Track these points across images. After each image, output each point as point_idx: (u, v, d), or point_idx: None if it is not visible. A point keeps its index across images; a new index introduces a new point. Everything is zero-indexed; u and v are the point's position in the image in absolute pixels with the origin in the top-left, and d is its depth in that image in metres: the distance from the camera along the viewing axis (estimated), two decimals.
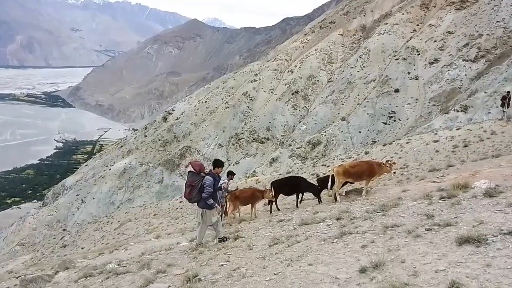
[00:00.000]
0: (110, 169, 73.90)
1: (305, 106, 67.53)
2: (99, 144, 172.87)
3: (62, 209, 65.82)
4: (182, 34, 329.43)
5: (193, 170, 7.91)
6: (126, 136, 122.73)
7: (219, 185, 12.46)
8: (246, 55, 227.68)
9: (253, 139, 66.36)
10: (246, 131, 67.79)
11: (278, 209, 11.65)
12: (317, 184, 11.92)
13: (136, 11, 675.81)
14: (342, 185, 11.10)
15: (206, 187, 7.74)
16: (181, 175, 67.25)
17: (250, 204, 11.94)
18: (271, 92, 72.68)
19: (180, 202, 36.71)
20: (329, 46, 76.03)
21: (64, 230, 53.71)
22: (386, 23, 71.10)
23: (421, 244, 4.79)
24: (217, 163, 8.23)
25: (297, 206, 11.41)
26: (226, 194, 12.01)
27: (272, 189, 11.48)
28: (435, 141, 22.27)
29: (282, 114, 67.25)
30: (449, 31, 62.86)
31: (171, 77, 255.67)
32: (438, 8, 68.95)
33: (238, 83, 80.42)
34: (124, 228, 30.40)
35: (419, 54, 62.36)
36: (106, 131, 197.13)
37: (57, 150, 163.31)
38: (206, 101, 79.96)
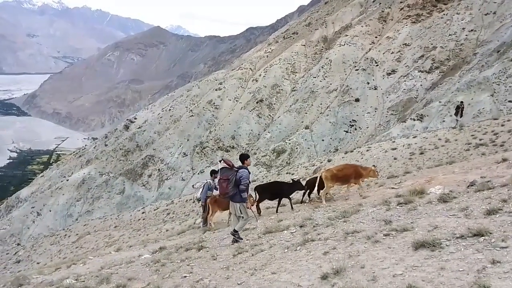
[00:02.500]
0: (67, 180, 70.90)
1: (269, 115, 68.15)
2: (56, 154, 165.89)
3: (16, 222, 62.29)
4: (145, 41, 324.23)
5: (227, 166, 7.97)
6: (85, 145, 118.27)
7: (202, 184, 12.37)
8: (211, 63, 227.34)
9: (218, 147, 66.04)
10: (211, 139, 67.38)
11: (259, 214, 11.46)
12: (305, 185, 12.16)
13: (97, 17, 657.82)
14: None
15: (244, 179, 7.81)
16: (144, 185, 65.68)
17: (229, 209, 11.87)
18: (236, 100, 72.83)
19: (143, 213, 35.83)
20: (292, 56, 77.43)
21: (18, 244, 50.74)
22: (347, 35, 73.48)
23: (379, 249, 4.93)
24: (245, 156, 8.27)
25: (276, 211, 11.36)
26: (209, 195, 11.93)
27: (256, 193, 11.41)
28: (393, 149, 23.13)
29: (247, 123, 67.49)
30: (405, 43, 65.90)
31: (133, 85, 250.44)
32: (395, 21, 72.20)
33: (203, 91, 79.99)
34: (83, 242, 29.21)
35: (377, 65, 64.84)
36: (63, 140, 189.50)
37: (11, 161, 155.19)
38: (170, 109, 78.83)
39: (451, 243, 4.49)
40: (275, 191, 11.63)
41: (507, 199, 5.69)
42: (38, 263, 27.93)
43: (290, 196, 11.65)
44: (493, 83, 38.25)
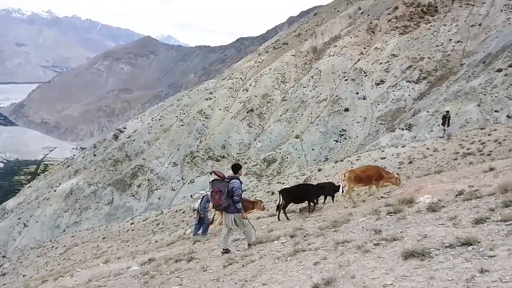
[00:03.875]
0: (55, 191, 69.87)
1: (260, 124, 68.33)
2: (44, 164, 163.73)
3: (2, 234, 61.08)
4: (135, 51, 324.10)
5: (218, 178, 7.91)
6: (74, 155, 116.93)
7: (201, 196, 12.23)
8: (201, 73, 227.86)
9: (209, 157, 65.85)
10: (201, 149, 67.19)
11: (287, 218, 10.97)
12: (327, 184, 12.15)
13: (86, 26, 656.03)
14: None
15: (237, 190, 7.72)
16: (133, 195, 65.03)
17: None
18: (227, 110, 72.94)
19: (132, 224, 35.38)
20: (282, 66, 78.03)
21: (4, 257, 49.58)
22: (336, 46, 74.42)
23: (370, 259, 4.94)
24: (238, 166, 8.19)
25: (309, 212, 11.11)
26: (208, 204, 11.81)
27: (281, 197, 11.23)
28: (382, 158, 23.31)
29: (238, 132, 67.53)
30: (393, 54, 66.95)
31: (123, 94, 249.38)
32: (383, 32, 73.40)
33: (193, 101, 79.99)
34: (70, 253, 28.67)
35: (366, 76, 65.68)
36: (51, 150, 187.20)
37: None
38: (160, 119, 78.55)
39: (440, 252, 4.51)
40: (302, 193, 11.43)
41: (494, 208, 5.75)
42: (24, 275, 27.31)
43: (316, 200, 11.49)
44: (479, 93, 38.98)
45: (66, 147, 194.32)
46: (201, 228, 12.51)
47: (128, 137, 76.43)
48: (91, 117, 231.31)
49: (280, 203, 11.10)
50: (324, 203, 12.64)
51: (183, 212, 31.53)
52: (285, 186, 15.56)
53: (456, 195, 7.60)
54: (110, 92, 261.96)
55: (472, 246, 4.41)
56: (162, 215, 34.17)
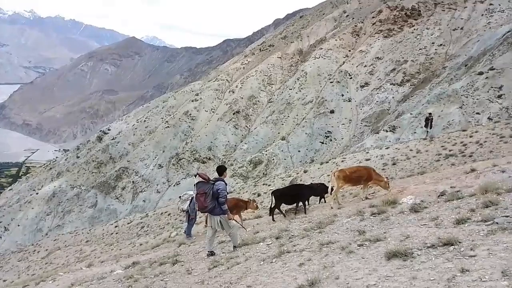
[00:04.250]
0: (37, 193, 68.52)
1: (246, 126, 68.32)
2: (26, 166, 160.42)
3: None
4: (120, 52, 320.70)
5: (203, 180, 7.86)
6: (56, 157, 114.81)
7: (190, 197, 12.09)
8: (187, 74, 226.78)
9: (195, 159, 65.50)
10: (187, 151, 66.79)
11: (280, 216, 11.07)
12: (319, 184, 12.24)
13: (70, 27, 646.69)
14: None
15: (222, 191, 7.65)
16: (117, 198, 64.22)
17: (233, 214, 11.73)
18: (213, 111, 72.72)
19: (116, 227, 34.93)
20: (268, 68, 78.24)
21: None
22: (321, 48, 75.00)
23: (353, 260, 4.98)
24: (222, 168, 8.15)
25: (305, 213, 11.11)
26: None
27: (272, 197, 11.23)
28: (367, 160, 23.56)
29: (224, 134, 67.37)
30: (377, 57, 67.83)
31: (107, 95, 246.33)
32: (368, 35, 74.32)
33: (179, 102, 79.52)
34: (53, 257, 28.10)
35: (351, 78, 66.36)
36: (33, 152, 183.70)
37: None
38: (145, 120, 77.83)
39: (422, 252, 4.57)
40: (294, 194, 11.40)
41: (475, 208, 5.87)
42: (4, 280, 26.69)
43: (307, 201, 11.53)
44: (461, 95, 39.77)
45: (49, 149, 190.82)
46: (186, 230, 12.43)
47: (112, 139, 75.48)
48: (74, 119, 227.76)
49: (273, 204, 11.15)
50: (319, 202, 12.70)
51: (169, 215, 31.29)
52: (274, 188, 15.55)
53: (438, 196, 7.73)
54: (94, 93, 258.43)
55: (453, 246, 4.48)
56: (147, 217, 33.83)
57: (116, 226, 34.92)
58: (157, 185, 64.24)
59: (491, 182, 7.26)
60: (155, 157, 68.45)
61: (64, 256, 26.86)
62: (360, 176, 10.57)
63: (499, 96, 37.40)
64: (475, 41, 57.61)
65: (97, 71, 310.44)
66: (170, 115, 75.91)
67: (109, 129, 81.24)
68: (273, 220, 10.98)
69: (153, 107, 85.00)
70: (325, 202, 12.40)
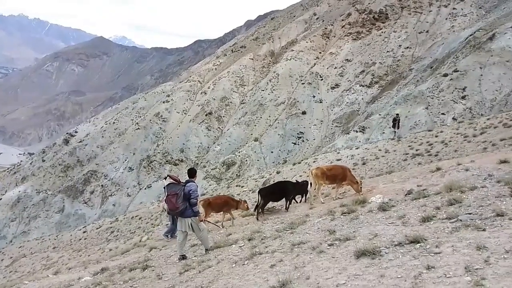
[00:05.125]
0: (1, 199, 65.58)
1: (219, 127, 68.02)
2: None
3: None
4: (87, 52, 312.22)
5: (174, 181, 7.76)
6: (21, 161, 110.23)
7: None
8: (158, 75, 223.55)
9: (166, 161, 64.56)
10: (159, 153, 65.75)
11: (257, 218, 10.80)
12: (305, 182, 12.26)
13: (34, 26, 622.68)
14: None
15: (194, 192, 7.55)
16: (86, 202, 62.38)
17: (222, 212, 11.65)
18: (185, 113, 71.95)
19: (84, 232, 33.92)
20: (240, 69, 78.26)
21: None
22: (293, 50, 75.79)
23: (324, 260, 5.02)
24: (193, 171, 8.13)
25: (287, 209, 11.00)
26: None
27: (259, 196, 11.07)
28: (338, 160, 23.94)
29: (196, 135, 66.78)
30: (347, 59, 69.24)
31: (74, 97, 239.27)
32: (338, 38, 75.72)
33: (150, 103, 78.22)
34: (18, 265, 26.95)
35: (322, 79, 67.41)
36: None
37: None
38: (114, 122, 76.00)
39: (390, 250, 4.67)
40: (280, 191, 11.29)
41: (440, 206, 6.06)
42: None
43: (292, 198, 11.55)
44: (427, 96, 41.17)
45: (13, 152, 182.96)
46: (171, 231, 12.12)
47: (80, 142, 73.27)
48: (39, 121, 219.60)
49: (259, 203, 11.07)
50: (300, 201, 12.76)
51: (140, 219, 30.69)
52: (247, 188, 15.52)
53: (406, 194, 7.93)
54: (60, 94, 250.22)
55: (419, 244, 4.60)
56: (117, 222, 33.04)
57: (84, 232, 33.93)
58: (128, 188, 62.86)
59: (456, 180, 7.52)
60: (125, 160, 66.97)
61: (30, 263, 25.82)
62: (335, 175, 10.65)
63: (463, 97, 39.00)
64: (439, 44, 59.85)
65: (63, 71, 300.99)
66: (140, 117, 74.51)
67: (76, 132, 78.84)
68: (257, 219, 10.94)
69: (122, 108, 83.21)
70: (305, 201, 12.49)
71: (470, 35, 49.37)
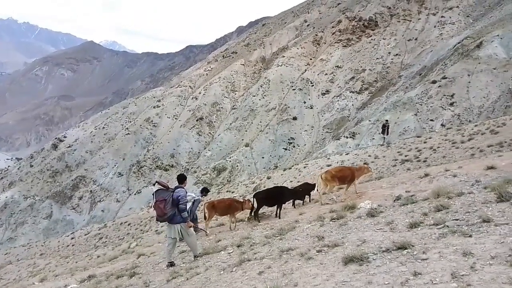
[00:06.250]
0: None
1: (210, 133, 67.86)
2: None
3: None
4: (77, 56, 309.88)
5: (163, 187, 7.67)
6: (8, 166, 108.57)
7: (193, 201, 11.71)
8: (148, 80, 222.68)
9: (157, 166, 64.10)
10: (149, 158, 65.27)
11: (258, 221, 10.94)
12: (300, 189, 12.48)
13: (24, 30, 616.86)
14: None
15: (183, 198, 7.46)
16: (74, 208, 61.55)
17: (228, 215, 11.42)
18: (175, 118, 71.65)
19: (72, 238, 33.44)
20: (232, 75, 78.35)
21: None
22: (284, 56, 76.18)
23: (312, 266, 5.00)
24: (183, 177, 8.03)
25: (279, 217, 10.97)
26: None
27: (255, 200, 11.09)
28: (328, 165, 23.98)
29: (187, 141, 66.51)
30: (337, 66, 69.80)
31: (63, 101, 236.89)
32: (328, 44, 76.34)
33: (140, 108, 77.74)
34: (3, 272, 26.39)
35: (313, 85, 67.80)
36: None
37: None
38: (104, 127, 75.34)
39: (377, 257, 4.66)
40: (276, 196, 11.34)
41: (427, 212, 6.09)
42: None
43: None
44: (416, 103, 41.65)
45: (0, 157, 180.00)
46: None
47: (69, 147, 72.42)
48: (28, 126, 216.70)
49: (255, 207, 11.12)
50: (304, 203, 12.84)
51: (129, 225, 30.37)
52: (237, 193, 15.50)
53: (394, 200, 7.96)
54: (49, 99, 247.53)
55: (406, 250, 4.60)
56: (105, 228, 32.65)
57: (72, 238, 33.47)
58: (117, 194, 62.21)
59: (443, 186, 7.58)
60: (115, 165, 66.33)
61: (16, 270, 25.32)
62: (344, 176, 10.93)
63: (451, 104, 39.54)
64: (428, 51, 60.67)
65: (53, 76, 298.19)
66: (130, 122, 73.99)
67: (65, 137, 77.89)
68: (259, 221, 10.97)
69: (112, 113, 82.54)
70: (309, 201, 12.73)
71: (458, 43, 50.18)
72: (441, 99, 40.46)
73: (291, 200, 12.62)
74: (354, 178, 11.00)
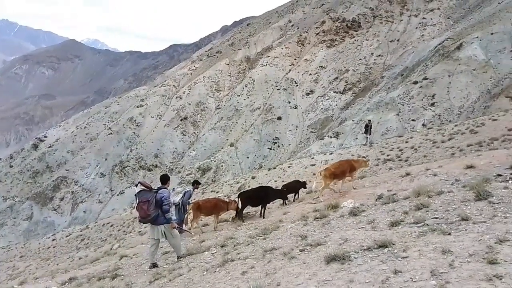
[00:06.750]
0: None
1: (194, 133, 67.47)
2: None
3: None
4: (58, 54, 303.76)
5: (145, 188, 7.57)
6: None
7: (184, 193, 11.53)
8: (132, 79, 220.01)
9: (140, 166, 63.37)
10: (132, 158, 64.48)
11: (243, 221, 10.97)
12: (285, 189, 12.63)
13: (3, 27, 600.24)
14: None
15: (166, 199, 7.42)
16: (55, 209, 60.31)
17: (213, 215, 11.36)
18: (159, 118, 70.99)
19: (53, 240, 32.80)
20: (216, 75, 78.07)
21: None
22: (268, 56, 76.31)
23: (295, 265, 5.02)
24: (166, 177, 8.00)
25: (263, 217, 10.96)
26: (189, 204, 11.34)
27: (239, 200, 11.08)
28: (312, 165, 24.18)
29: (171, 141, 65.97)
30: (321, 66, 70.32)
31: (44, 100, 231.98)
32: (312, 45, 76.84)
33: (123, 108, 76.69)
34: None
35: (297, 85, 68.14)
36: None
37: None
38: (85, 127, 74.03)
39: (359, 255, 4.72)
40: (260, 196, 11.36)
41: (408, 211, 6.19)
42: None
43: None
44: (398, 103, 42.30)
45: None
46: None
47: (49, 147, 70.91)
48: (7, 125, 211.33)
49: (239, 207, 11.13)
50: (294, 200, 12.98)
51: (111, 226, 29.95)
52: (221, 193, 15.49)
53: (376, 199, 8.07)
54: (30, 98, 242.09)
55: (387, 248, 4.67)
56: (87, 229, 32.14)
57: (53, 240, 32.84)
58: (99, 194, 61.25)
59: (424, 185, 7.71)
60: (97, 166, 65.29)
61: None
62: (344, 171, 11.13)
63: (432, 104, 40.29)
64: (410, 52, 61.69)
65: (33, 74, 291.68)
66: (113, 121, 72.93)
67: (45, 136, 76.21)
68: (243, 221, 10.97)
69: (94, 112, 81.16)
70: (295, 199, 12.84)
71: (439, 44, 51.15)
72: (422, 100, 41.18)
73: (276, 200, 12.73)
74: (354, 169, 11.33)
